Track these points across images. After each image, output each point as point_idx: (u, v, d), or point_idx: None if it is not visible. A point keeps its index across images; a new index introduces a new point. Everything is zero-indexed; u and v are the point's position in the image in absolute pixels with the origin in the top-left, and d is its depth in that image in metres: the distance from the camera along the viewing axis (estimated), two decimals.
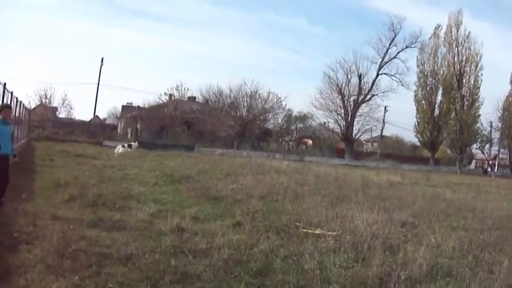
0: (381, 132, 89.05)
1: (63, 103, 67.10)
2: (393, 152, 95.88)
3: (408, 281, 6.86)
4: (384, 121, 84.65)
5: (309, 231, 9.70)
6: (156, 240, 8.24)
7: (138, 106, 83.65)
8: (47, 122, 63.20)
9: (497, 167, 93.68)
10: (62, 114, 69.65)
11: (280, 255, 7.70)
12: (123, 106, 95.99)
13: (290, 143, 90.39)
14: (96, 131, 65.02)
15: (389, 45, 78.04)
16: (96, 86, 71.93)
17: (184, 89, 76.53)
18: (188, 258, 7.20)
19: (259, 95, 74.74)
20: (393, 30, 77.77)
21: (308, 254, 7.76)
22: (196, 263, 6.93)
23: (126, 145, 37.29)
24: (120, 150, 34.90)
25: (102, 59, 72.46)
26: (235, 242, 8.21)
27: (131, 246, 7.51)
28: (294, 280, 6.41)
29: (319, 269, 7.01)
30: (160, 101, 76.02)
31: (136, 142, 41.38)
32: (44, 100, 65.02)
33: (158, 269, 6.55)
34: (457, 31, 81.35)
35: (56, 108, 68.36)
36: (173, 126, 68.61)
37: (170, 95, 74.98)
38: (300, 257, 7.64)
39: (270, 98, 75.69)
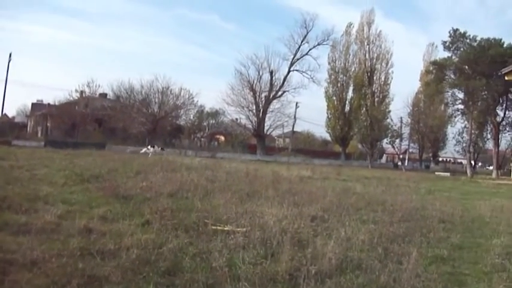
0: (293, 128, 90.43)
1: None
2: (305, 147, 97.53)
3: (318, 275, 6.89)
4: (295, 117, 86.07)
5: (219, 228, 9.64)
6: (64, 242, 7.93)
7: (49, 103, 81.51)
8: None
9: (408, 160, 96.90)
10: None
11: (190, 254, 7.60)
12: (33, 104, 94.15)
13: (202, 139, 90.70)
14: (4, 129, 62.43)
15: (301, 42, 79.55)
16: (4, 82, 70.21)
17: (96, 86, 75.62)
18: (96, 260, 6.97)
19: (170, 91, 74.82)
20: (305, 28, 79.27)
21: (217, 252, 7.71)
22: (104, 265, 6.72)
23: (155, 147, 36.89)
24: (150, 151, 35.04)
25: (10, 54, 70.64)
26: (143, 241, 8.06)
27: (37, 250, 7.18)
28: (203, 278, 6.33)
29: (228, 266, 6.96)
30: (71, 98, 74.36)
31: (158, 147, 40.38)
32: None
33: (65, 273, 6.28)
34: (369, 29, 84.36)
35: None
36: (84, 124, 67.43)
37: (81, 92, 73.72)
38: (209, 255, 7.56)
39: (181, 94, 76.06)
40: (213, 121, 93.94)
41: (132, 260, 6.96)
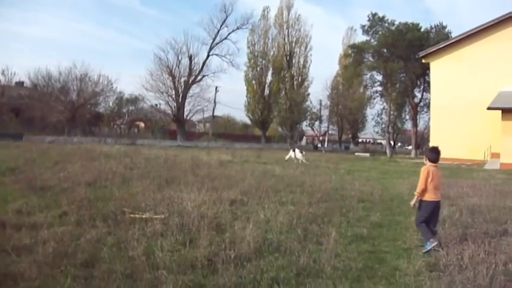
0: (213, 113, 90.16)
1: None
2: (225, 131, 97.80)
3: (238, 259, 6.91)
4: (215, 101, 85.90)
5: (137, 216, 9.52)
6: None
7: None
8: None
9: (327, 142, 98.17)
10: None
11: (108, 244, 7.49)
12: None
13: (122, 126, 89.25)
14: None
15: (221, 26, 79.02)
16: None
17: (11, 74, 72.93)
18: (11, 256, 6.72)
19: (89, 78, 72.75)
20: (225, 12, 78.76)
21: (135, 240, 7.63)
22: (20, 261, 6.48)
23: (296, 151, 34.71)
24: (297, 156, 33.29)
25: None
26: (60, 234, 7.84)
27: None
28: (121, 269, 6.21)
29: (147, 254, 6.90)
30: None
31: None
32: None
33: None
34: (288, 13, 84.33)
35: None
36: (0, 114, 65.32)
37: None
38: (128, 244, 7.47)
39: (100, 81, 74.03)
40: (133, 108, 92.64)
41: (49, 254, 6.75)
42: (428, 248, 7.99)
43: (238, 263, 6.79)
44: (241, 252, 7.22)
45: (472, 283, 6.11)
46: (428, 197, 8.51)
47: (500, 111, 40.06)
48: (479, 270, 6.56)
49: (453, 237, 8.83)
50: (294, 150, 34.72)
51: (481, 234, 9.34)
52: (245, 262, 6.89)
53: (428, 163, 8.85)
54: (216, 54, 79.53)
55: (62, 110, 67.40)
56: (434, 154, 8.87)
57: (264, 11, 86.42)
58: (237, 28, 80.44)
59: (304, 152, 34.78)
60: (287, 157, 34.10)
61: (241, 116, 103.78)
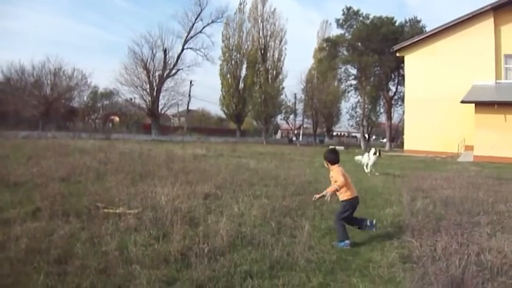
0: (187, 107, 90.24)
1: None
2: (200, 125, 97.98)
3: (211, 252, 6.93)
4: (189, 95, 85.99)
5: (110, 211, 9.46)
6: None
7: None
8: None
9: (302, 136, 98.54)
10: None
11: (81, 239, 7.42)
12: None
13: (97, 121, 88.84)
14: None
15: (196, 19, 78.97)
16: None
17: None
18: None
19: (63, 72, 72.48)
20: (200, 5, 78.63)
21: (109, 235, 7.59)
22: None
23: (372, 150, 23.10)
24: (367, 160, 22.62)
25: None
26: (33, 230, 7.74)
27: None
28: (94, 264, 6.17)
29: (120, 249, 6.88)
30: None
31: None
32: None
33: None
34: (263, 7, 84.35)
35: None
36: None
37: None
38: (101, 239, 7.43)
39: (75, 75, 73.82)
40: (107, 102, 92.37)
41: (21, 250, 6.68)
42: (339, 246, 8.05)
43: (212, 257, 6.79)
44: (214, 246, 7.23)
45: (444, 274, 6.16)
46: (350, 194, 8.63)
47: (473, 105, 40.52)
48: (452, 261, 6.63)
49: (426, 229, 8.92)
50: (369, 152, 23.22)
51: (454, 225, 9.45)
52: (219, 256, 6.89)
53: (332, 166, 8.86)
54: (191, 48, 79.54)
55: (36, 104, 66.83)
56: (333, 155, 8.89)
57: (240, 4, 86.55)
58: (212, 22, 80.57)
59: (379, 153, 22.72)
60: (363, 161, 23.19)
61: (216, 109, 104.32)
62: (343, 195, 8.56)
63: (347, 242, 8.10)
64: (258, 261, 6.79)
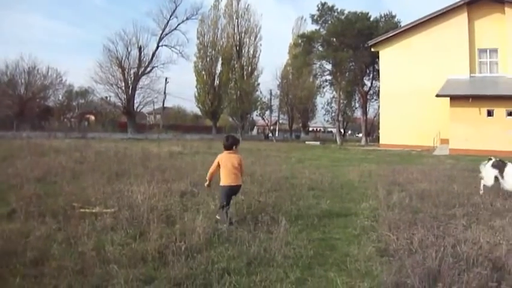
0: (163, 104, 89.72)
1: None
2: (176, 122, 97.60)
3: (188, 250, 6.94)
4: (165, 93, 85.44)
5: (87, 210, 9.43)
6: None
7: None
8: None
9: (278, 131, 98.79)
10: None
11: (58, 240, 7.35)
12: None
13: (72, 120, 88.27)
14: None
15: (170, 16, 78.54)
16: None
17: None
18: None
19: (37, 71, 72.07)
20: (174, 2, 78.22)
21: (85, 235, 7.55)
22: None
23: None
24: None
25: None
26: (9, 231, 7.67)
27: None
28: (72, 265, 6.14)
29: (97, 249, 6.83)
30: None
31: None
32: None
33: None
34: (238, 3, 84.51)
35: None
36: None
37: None
38: (78, 240, 7.38)
39: (49, 73, 73.46)
40: (83, 101, 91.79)
41: None
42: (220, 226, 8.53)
43: (189, 255, 6.80)
44: (191, 244, 7.23)
45: (421, 266, 6.21)
46: (222, 182, 9.16)
47: (448, 98, 40.93)
48: (429, 253, 6.70)
49: (403, 222, 8.99)
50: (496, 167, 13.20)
51: (430, 218, 9.56)
52: (196, 253, 6.91)
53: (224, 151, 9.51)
54: (166, 45, 79.16)
55: (10, 104, 66.38)
56: (225, 141, 9.54)
57: (215, 1, 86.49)
58: (187, 19, 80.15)
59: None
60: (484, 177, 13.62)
61: (191, 107, 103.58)
62: (220, 182, 9.22)
63: (224, 225, 8.52)
64: (235, 258, 6.80)
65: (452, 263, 6.40)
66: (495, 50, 47.77)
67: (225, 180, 9.08)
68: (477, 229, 8.48)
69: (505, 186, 12.54)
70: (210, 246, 7.38)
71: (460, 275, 6.01)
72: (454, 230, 8.62)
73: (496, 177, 12.80)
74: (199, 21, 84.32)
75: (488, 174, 13.11)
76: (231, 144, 9.48)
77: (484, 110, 39.82)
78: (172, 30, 79.38)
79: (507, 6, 46.43)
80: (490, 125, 39.36)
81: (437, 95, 41.09)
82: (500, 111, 39.84)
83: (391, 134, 50.32)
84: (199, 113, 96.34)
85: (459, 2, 47.47)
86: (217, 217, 8.99)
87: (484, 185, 13.23)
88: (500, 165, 12.86)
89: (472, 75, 46.65)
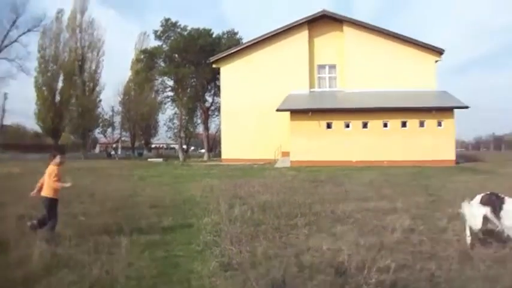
0: (1, 121, 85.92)
1: None
2: (16, 141, 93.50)
3: (25, 279, 6.68)
4: (3, 109, 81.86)
5: None
6: None
7: None
8: None
9: (121, 149, 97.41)
10: None
11: None
12: None
13: None
14: None
15: (10, 27, 74.84)
16: None
17: None
18: None
19: None
20: (15, 12, 74.68)
21: None
22: None
23: None
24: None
25: None
26: None
27: None
28: None
29: None
30: None
31: None
32: None
33: None
34: (82, 17, 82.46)
35: None
36: None
37: None
38: None
39: None
40: None
41: None
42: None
43: (28, 284, 6.57)
44: (29, 271, 7.00)
45: (265, 278, 6.37)
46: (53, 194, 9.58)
47: (288, 113, 42.21)
48: (273, 264, 6.88)
49: (245, 235, 9.19)
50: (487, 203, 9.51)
51: (272, 230, 9.86)
52: (34, 282, 6.68)
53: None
54: (5, 58, 76.07)
55: None
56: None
57: (58, 13, 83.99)
58: (28, 30, 76.87)
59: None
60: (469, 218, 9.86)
61: (31, 124, 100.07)
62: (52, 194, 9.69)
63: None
64: (77, 283, 6.68)
65: (296, 272, 6.61)
66: (333, 66, 50.51)
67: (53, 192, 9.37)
68: (319, 237, 8.84)
69: (506, 230, 9.05)
70: (49, 272, 7.14)
71: (304, 283, 6.22)
72: (296, 239, 8.92)
73: (485, 218, 9.32)
74: (41, 33, 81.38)
75: (475, 213, 9.54)
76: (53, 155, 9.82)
77: (324, 123, 41.64)
78: (13, 42, 76.44)
79: (345, 25, 49.44)
80: (330, 137, 41.33)
81: (277, 110, 42.20)
82: (338, 124, 41.96)
83: (233, 149, 50.99)
84: (39, 130, 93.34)
85: (300, 20, 49.55)
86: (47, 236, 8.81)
87: (470, 229, 9.60)
88: (493, 201, 9.40)
89: (311, 90, 48.65)
